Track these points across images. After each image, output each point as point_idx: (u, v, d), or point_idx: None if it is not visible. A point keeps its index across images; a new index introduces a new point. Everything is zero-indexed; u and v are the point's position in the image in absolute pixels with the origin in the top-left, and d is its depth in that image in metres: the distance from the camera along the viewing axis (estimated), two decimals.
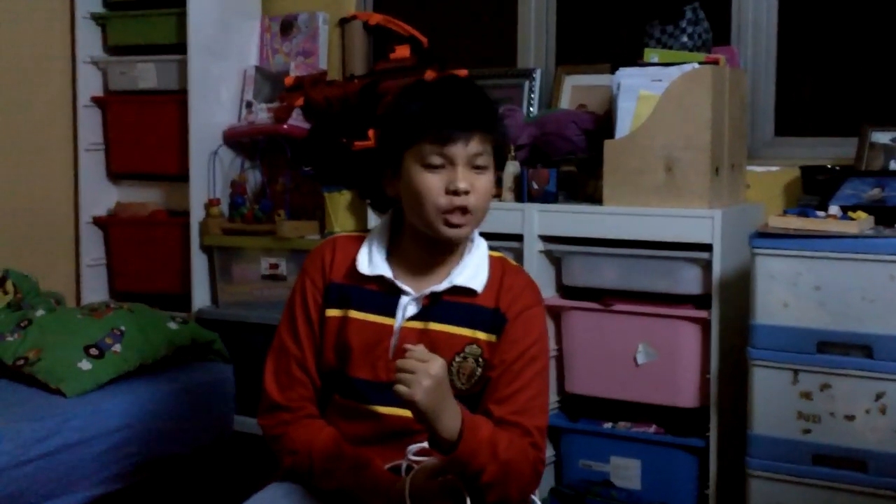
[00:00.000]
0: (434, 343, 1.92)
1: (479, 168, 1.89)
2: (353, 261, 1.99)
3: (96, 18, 3.92)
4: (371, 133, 3.31)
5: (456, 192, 1.86)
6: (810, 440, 2.53)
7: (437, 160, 1.87)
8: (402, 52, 3.64)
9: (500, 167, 1.98)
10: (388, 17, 3.73)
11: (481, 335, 1.96)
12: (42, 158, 3.87)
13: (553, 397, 3.04)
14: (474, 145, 1.87)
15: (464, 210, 1.88)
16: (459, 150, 1.87)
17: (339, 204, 3.54)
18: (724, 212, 2.76)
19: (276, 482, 2.01)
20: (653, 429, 2.93)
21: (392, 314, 1.96)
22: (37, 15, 3.83)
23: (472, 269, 1.97)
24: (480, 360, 1.95)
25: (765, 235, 2.56)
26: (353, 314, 1.97)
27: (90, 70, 3.94)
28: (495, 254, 2.04)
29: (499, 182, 2.72)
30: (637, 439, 2.92)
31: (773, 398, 2.57)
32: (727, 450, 2.81)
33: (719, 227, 2.73)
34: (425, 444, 1.88)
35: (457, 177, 1.86)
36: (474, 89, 1.95)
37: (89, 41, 3.92)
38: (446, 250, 1.97)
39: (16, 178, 3.77)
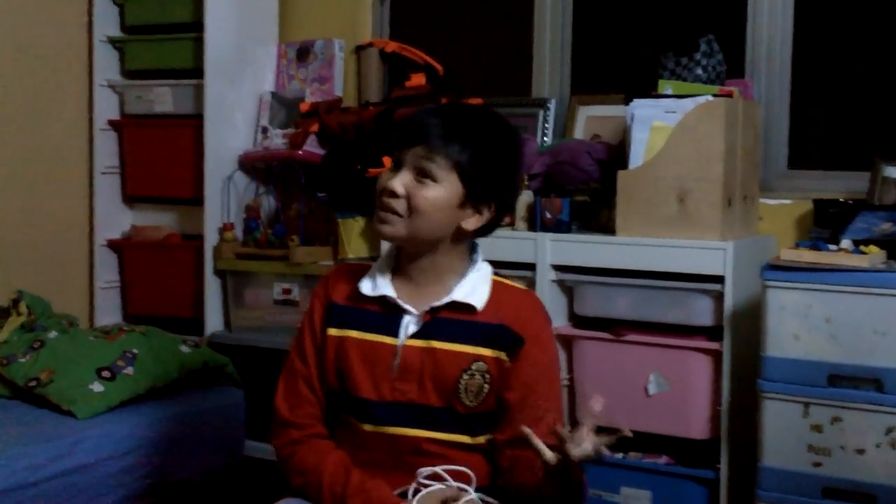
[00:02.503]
0: (439, 361, 1.95)
1: (424, 177, 1.91)
2: (356, 284, 2.01)
3: (114, 42, 3.95)
4: (386, 160, 3.32)
5: (383, 191, 1.93)
6: (820, 473, 2.52)
7: (393, 163, 1.95)
8: (418, 79, 3.66)
9: (471, 191, 1.94)
10: (404, 46, 3.76)
11: (486, 351, 1.97)
12: (58, 181, 3.90)
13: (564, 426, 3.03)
14: (419, 151, 1.91)
15: (392, 210, 1.92)
16: (406, 155, 1.92)
17: (352, 230, 3.55)
18: (736, 244, 2.77)
19: (287, 498, 2.02)
20: (664, 460, 2.93)
21: (393, 333, 1.98)
22: (55, 38, 3.86)
23: (471, 287, 1.99)
24: (486, 375, 1.97)
25: (777, 268, 2.57)
26: (352, 334, 2.00)
27: (107, 93, 3.96)
28: (502, 279, 2.06)
29: (512, 211, 2.71)
30: (648, 470, 2.91)
31: (783, 431, 2.57)
32: (738, 481, 2.80)
33: (731, 258, 2.74)
34: (436, 469, 1.90)
35: (392, 177, 1.93)
36: (455, 110, 2.00)
37: (107, 65, 3.95)
38: (443, 270, 1.99)
39: (31, 200, 3.80)
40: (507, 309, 1.99)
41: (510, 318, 1.98)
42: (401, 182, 1.92)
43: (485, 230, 2.02)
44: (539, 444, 1.79)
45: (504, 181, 1.99)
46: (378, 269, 2.03)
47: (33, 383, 2.97)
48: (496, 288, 2.02)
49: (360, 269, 2.05)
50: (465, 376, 1.95)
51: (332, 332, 2.02)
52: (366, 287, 2.00)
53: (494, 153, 1.96)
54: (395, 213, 1.92)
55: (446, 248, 1.98)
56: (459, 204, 1.94)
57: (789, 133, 3.25)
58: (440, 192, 1.92)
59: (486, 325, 1.97)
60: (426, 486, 1.92)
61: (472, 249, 2.04)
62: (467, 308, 1.98)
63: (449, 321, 1.97)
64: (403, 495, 1.94)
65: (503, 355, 1.97)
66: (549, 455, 1.79)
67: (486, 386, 1.97)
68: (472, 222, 1.96)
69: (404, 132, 1.96)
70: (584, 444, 1.76)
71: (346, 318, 2.01)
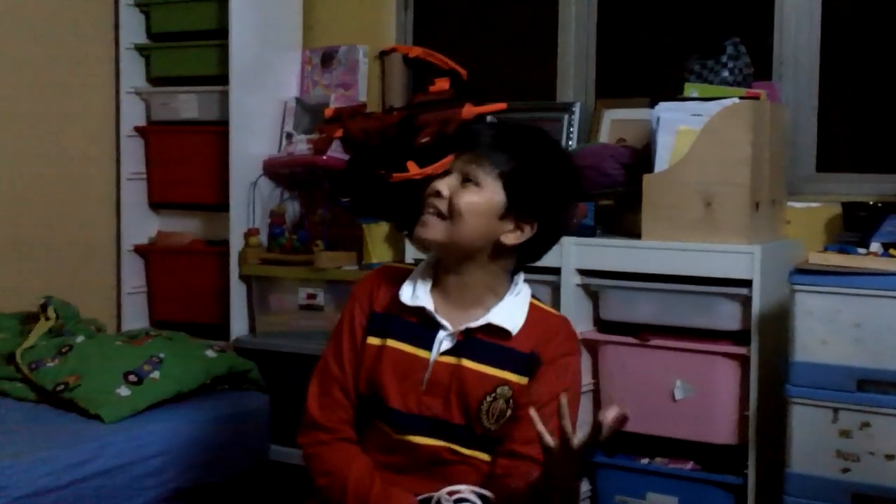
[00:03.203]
0: (465, 381, 1.95)
1: (467, 181, 1.94)
2: (397, 291, 2.01)
3: (140, 50, 3.98)
4: (410, 165, 3.32)
5: (429, 193, 1.97)
6: (849, 479, 2.50)
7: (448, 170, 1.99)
8: (442, 84, 3.66)
9: (513, 202, 1.95)
10: (428, 50, 3.76)
11: (513, 377, 1.97)
12: (85, 187, 3.93)
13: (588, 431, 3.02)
14: (467, 157, 1.95)
15: (435, 210, 1.94)
16: (457, 161, 1.97)
17: (376, 235, 3.55)
18: (763, 247, 2.74)
19: None
20: (690, 465, 2.91)
21: (427, 347, 1.98)
22: (82, 46, 3.89)
23: (510, 311, 1.99)
24: (511, 401, 1.96)
25: (804, 272, 2.55)
26: (391, 343, 2.00)
27: (133, 100, 3.99)
28: (540, 304, 2.06)
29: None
30: (674, 475, 2.90)
31: (811, 436, 2.54)
32: (765, 488, 2.78)
33: (759, 262, 2.72)
34: (459, 487, 1.92)
35: (440, 180, 1.96)
36: (511, 125, 2.09)
37: (133, 72, 3.98)
38: (481, 287, 1.98)
39: (59, 207, 3.82)
40: (538, 334, 1.99)
41: (538, 343, 1.98)
42: (446, 184, 1.94)
43: (527, 254, 2.02)
44: (542, 428, 1.78)
45: (549, 200, 1.98)
46: (419, 276, 2.03)
47: (61, 387, 2.99)
48: (532, 312, 2.02)
49: (402, 274, 2.06)
50: (489, 399, 1.96)
51: (372, 340, 2.02)
52: (405, 295, 2.00)
53: (541, 170, 1.97)
54: (438, 213, 1.94)
55: (484, 262, 1.98)
56: (500, 214, 1.94)
57: (817, 135, 3.23)
58: (482, 197, 1.93)
59: (518, 352, 1.98)
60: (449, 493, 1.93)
61: (515, 271, 2.04)
62: (502, 332, 1.98)
63: (482, 343, 1.98)
64: (425, 501, 1.95)
65: (526, 380, 1.97)
66: (548, 439, 1.78)
67: (509, 411, 1.97)
68: (511, 237, 1.96)
69: (457, 139, 2.03)
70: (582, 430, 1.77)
71: (386, 327, 2.02)
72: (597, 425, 1.74)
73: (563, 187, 2.02)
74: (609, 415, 1.76)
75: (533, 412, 1.79)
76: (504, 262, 2.00)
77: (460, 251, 1.96)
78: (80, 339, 3.20)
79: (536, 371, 1.97)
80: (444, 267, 2.01)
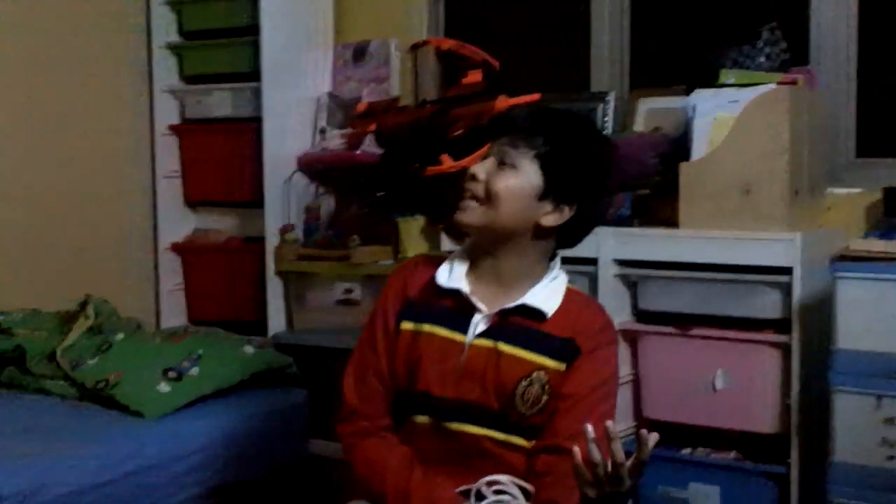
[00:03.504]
0: (500, 365, 1.94)
1: (503, 164, 1.94)
2: (432, 277, 2.01)
3: (172, 48, 4.00)
4: (444, 158, 3.31)
5: (466, 178, 1.97)
6: (894, 468, 2.46)
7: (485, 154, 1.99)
8: (475, 76, 3.63)
9: (550, 185, 1.94)
10: (460, 43, 3.73)
11: (549, 362, 1.96)
12: (121, 187, 3.95)
13: (629, 423, 3.01)
14: (505, 140, 1.96)
15: (472, 194, 1.94)
16: (494, 146, 1.97)
17: (412, 229, 3.55)
18: (803, 235, 2.71)
19: (354, 500, 2.02)
20: (732, 455, 2.88)
21: (463, 331, 1.98)
22: (115, 47, 3.92)
23: (544, 293, 1.98)
24: (547, 387, 1.95)
25: (846, 259, 2.52)
26: (426, 328, 1.99)
27: (167, 99, 4.01)
28: (577, 290, 2.05)
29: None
30: (716, 465, 2.87)
31: (855, 425, 2.51)
32: (809, 477, 2.75)
33: (799, 250, 2.69)
34: (499, 478, 1.91)
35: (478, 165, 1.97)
36: (548, 108, 2.09)
37: (166, 71, 4.00)
38: (518, 271, 1.98)
39: (96, 206, 3.85)
40: (574, 320, 1.98)
41: (575, 330, 1.97)
42: (482, 168, 1.95)
43: (567, 237, 2.01)
44: (592, 445, 1.74)
45: (587, 182, 1.97)
46: (455, 260, 2.03)
47: (101, 385, 3.01)
48: (568, 298, 2.01)
49: (437, 261, 2.05)
50: (524, 383, 1.94)
51: (407, 325, 2.02)
52: (442, 276, 2.00)
53: (577, 150, 1.96)
54: (474, 197, 1.94)
55: (523, 246, 1.97)
56: (538, 196, 1.93)
57: (857, 121, 3.19)
58: (518, 179, 1.93)
59: (554, 337, 1.96)
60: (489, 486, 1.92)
61: (552, 257, 2.03)
62: (537, 314, 1.97)
63: (518, 327, 1.97)
64: (465, 494, 1.94)
65: (563, 367, 1.96)
66: (597, 455, 1.73)
67: (546, 397, 1.95)
68: (550, 219, 1.95)
69: (495, 124, 2.02)
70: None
71: (421, 312, 2.01)
72: (641, 447, 1.73)
73: (600, 167, 2.02)
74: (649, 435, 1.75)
75: (589, 427, 1.74)
76: (542, 245, 1.99)
77: (498, 235, 1.95)
78: (119, 336, 3.22)
79: (574, 361, 1.96)
80: (481, 251, 2.01)
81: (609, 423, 1.74)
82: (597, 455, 1.72)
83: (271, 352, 3.40)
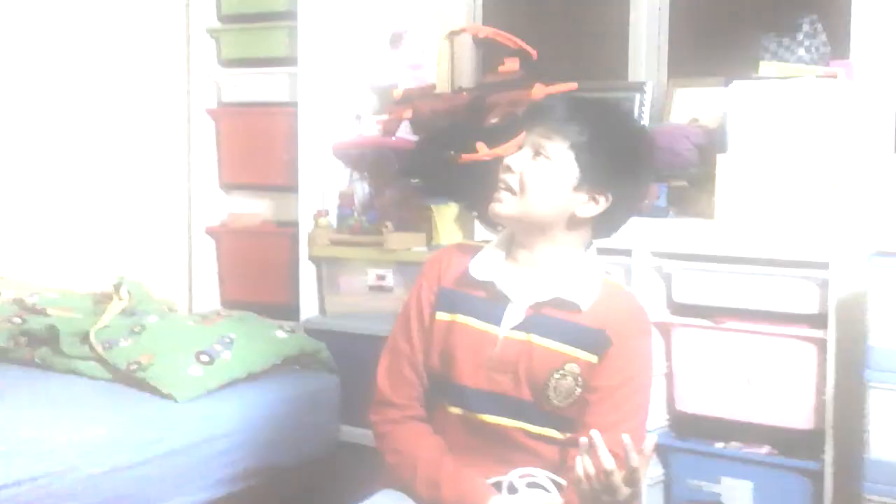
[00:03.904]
0: (533, 357, 1.93)
1: (538, 155, 1.94)
2: (466, 267, 2.01)
3: (210, 32, 4.01)
4: (479, 146, 3.30)
5: (500, 169, 1.97)
6: None
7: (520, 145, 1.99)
8: (511, 64, 3.62)
9: (586, 174, 1.94)
10: (498, 31, 3.72)
11: (582, 354, 1.95)
12: (157, 169, 3.97)
13: (662, 416, 2.99)
14: (539, 130, 1.95)
15: (507, 186, 1.94)
16: (529, 136, 1.97)
17: (445, 216, 3.54)
18: (841, 230, 2.68)
19: (385, 489, 2.02)
20: (765, 450, 2.86)
21: (497, 322, 1.98)
22: (154, 30, 3.93)
23: (579, 285, 1.97)
24: (579, 378, 1.94)
25: (884, 253, 2.49)
26: (461, 319, 1.99)
27: (204, 83, 4.02)
28: (613, 281, 2.03)
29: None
30: (749, 460, 2.85)
31: (891, 421, 2.49)
32: (843, 474, 2.72)
33: (837, 244, 2.66)
34: (532, 470, 1.92)
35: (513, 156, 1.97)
36: (583, 98, 2.11)
37: (204, 55, 4.01)
38: (553, 262, 1.96)
39: (131, 189, 3.87)
40: (609, 311, 1.97)
41: (607, 320, 1.96)
42: (517, 159, 1.94)
43: (602, 228, 2.00)
44: (604, 450, 1.73)
45: (623, 172, 1.96)
46: (490, 251, 2.03)
47: (134, 367, 3.03)
48: (605, 289, 1.99)
49: (472, 250, 2.05)
50: (556, 376, 1.94)
51: (441, 316, 2.02)
52: (475, 268, 2.00)
53: (612, 139, 1.95)
54: (509, 189, 1.93)
55: (558, 237, 1.96)
56: (573, 187, 1.93)
57: None
58: (553, 170, 1.92)
59: (587, 328, 1.95)
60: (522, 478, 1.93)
61: (587, 246, 2.01)
62: (572, 306, 1.95)
63: (551, 319, 1.96)
64: (496, 485, 1.94)
65: (594, 358, 1.95)
66: (609, 463, 1.73)
67: (578, 389, 1.95)
68: (585, 209, 1.94)
69: (530, 114, 2.00)
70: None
71: (455, 302, 2.01)
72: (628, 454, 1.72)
73: (636, 157, 2.01)
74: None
75: (596, 434, 1.74)
76: (578, 236, 1.98)
77: (534, 226, 1.95)
78: (152, 318, 3.24)
79: (606, 351, 1.95)
80: (516, 242, 2.00)
81: (593, 431, 1.74)
82: (589, 467, 1.73)
83: (303, 336, 3.40)
